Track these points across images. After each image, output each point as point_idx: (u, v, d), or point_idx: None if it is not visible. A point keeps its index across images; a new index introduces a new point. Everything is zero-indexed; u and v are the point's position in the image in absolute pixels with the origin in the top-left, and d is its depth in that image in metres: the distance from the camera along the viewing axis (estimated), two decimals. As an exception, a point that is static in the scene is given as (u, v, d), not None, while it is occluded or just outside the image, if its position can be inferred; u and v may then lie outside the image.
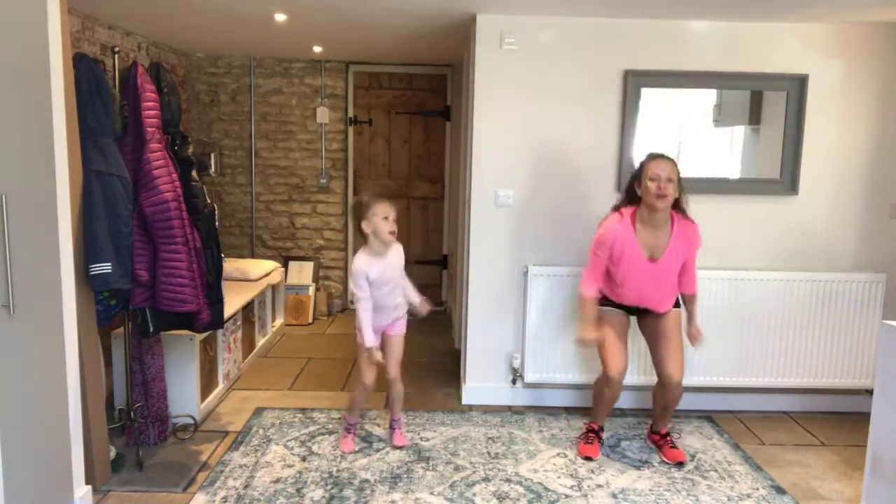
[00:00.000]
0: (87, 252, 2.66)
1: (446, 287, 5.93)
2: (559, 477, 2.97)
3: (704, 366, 3.64)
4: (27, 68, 2.17)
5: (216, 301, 3.13)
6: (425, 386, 4.09)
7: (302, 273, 5.60)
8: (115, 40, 4.09)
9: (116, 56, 2.95)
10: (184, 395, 3.40)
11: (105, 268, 2.67)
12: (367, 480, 2.90)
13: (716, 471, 3.07)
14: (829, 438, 3.48)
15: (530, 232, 3.68)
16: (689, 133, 3.89)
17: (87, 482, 2.62)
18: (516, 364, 3.74)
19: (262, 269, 4.83)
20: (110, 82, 2.84)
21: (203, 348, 3.53)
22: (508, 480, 2.93)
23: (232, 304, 3.94)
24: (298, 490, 2.81)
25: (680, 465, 3.10)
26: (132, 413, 3.12)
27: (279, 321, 5.29)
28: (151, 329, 2.96)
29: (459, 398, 3.86)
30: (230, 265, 4.63)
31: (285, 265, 5.61)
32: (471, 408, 3.75)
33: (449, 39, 4.29)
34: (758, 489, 2.92)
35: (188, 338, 3.35)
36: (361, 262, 3.04)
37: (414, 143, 5.80)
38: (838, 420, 3.70)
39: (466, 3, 3.32)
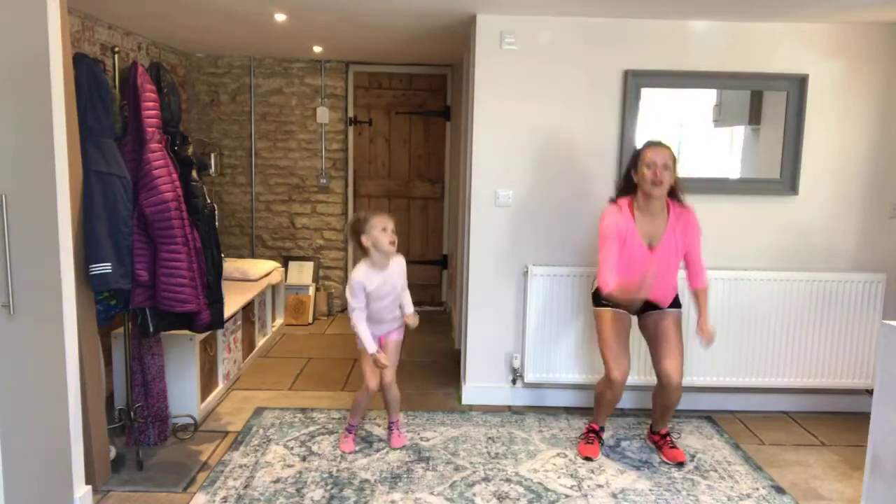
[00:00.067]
0: (87, 252, 2.66)
1: (446, 287, 5.93)
2: (559, 477, 2.97)
3: (704, 366, 3.64)
4: (27, 68, 2.17)
5: (216, 301, 3.13)
6: (425, 386, 4.09)
7: (302, 273, 5.60)
8: (115, 40, 4.09)
9: (116, 56, 2.95)
10: (184, 395, 3.40)
11: (105, 268, 2.67)
12: (367, 480, 2.90)
13: (716, 471, 3.07)
14: (829, 438, 3.48)
15: (530, 232, 3.68)
16: (689, 133, 3.89)
17: (87, 482, 2.62)
18: (516, 364, 3.74)
19: (262, 269, 4.83)
20: (110, 82, 2.84)
21: (203, 348, 3.53)
22: (508, 480, 2.93)
23: (232, 304, 3.94)
24: (298, 490, 2.81)
25: (680, 465, 3.10)
26: (132, 413, 3.12)
27: (279, 321, 5.29)
28: (151, 329, 2.96)
29: (459, 398, 3.86)
30: (230, 265, 4.64)
31: (285, 265, 5.61)
32: (471, 408, 3.75)
33: (449, 39, 4.29)
34: (758, 489, 2.92)
35: (188, 338, 3.35)
36: (360, 274, 3.05)
37: (414, 144, 5.80)
38: (838, 420, 3.70)
39: (466, 3, 3.32)
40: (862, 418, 3.35)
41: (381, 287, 3.06)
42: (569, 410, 3.72)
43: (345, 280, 5.74)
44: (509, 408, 3.76)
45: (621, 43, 3.54)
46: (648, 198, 2.92)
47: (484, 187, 3.64)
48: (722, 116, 3.92)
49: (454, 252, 5.20)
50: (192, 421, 3.40)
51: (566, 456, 3.17)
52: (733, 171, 3.98)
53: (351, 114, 5.68)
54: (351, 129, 5.71)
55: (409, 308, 3.21)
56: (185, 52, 5.33)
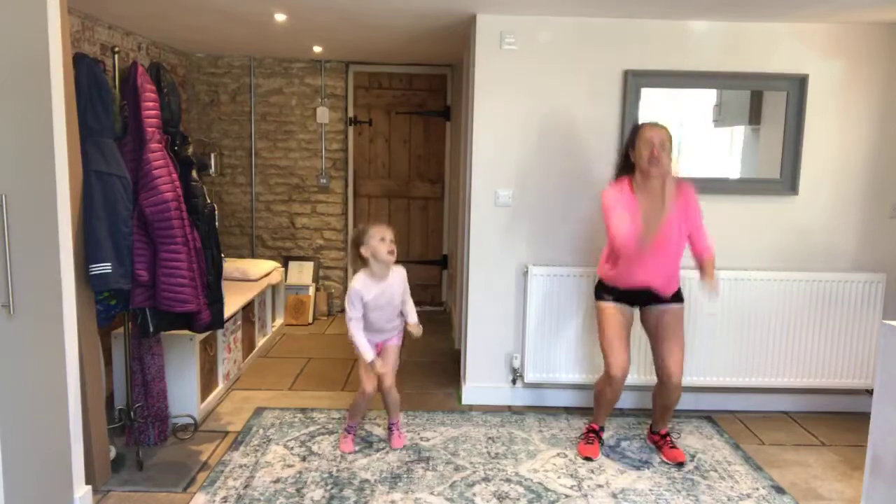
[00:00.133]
0: (87, 252, 2.66)
1: (446, 287, 5.93)
2: (559, 477, 2.97)
3: (704, 366, 3.64)
4: (27, 68, 2.17)
5: (216, 301, 3.13)
6: (425, 386, 4.09)
7: (302, 273, 5.60)
8: (115, 40, 4.09)
9: (116, 56, 2.95)
10: (184, 395, 3.40)
11: (105, 268, 2.68)
12: (367, 480, 2.90)
13: (716, 471, 3.07)
14: (829, 438, 3.48)
15: (530, 232, 3.68)
16: (690, 133, 3.89)
17: (87, 482, 2.62)
18: (516, 364, 3.74)
19: (261, 269, 4.83)
20: (110, 82, 2.84)
21: (203, 348, 3.53)
22: (508, 480, 2.93)
23: (232, 304, 3.94)
24: (298, 490, 2.81)
25: (680, 465, 3.10)
26: (132, 413, 3.12)
27: (279, 321, 5.29)
28: (151, 329, 2.96)
29: (459, 398, 3.86)
30: (230, 265, 4.64)
31: (285, 265, 5.61)
32: (471, 408, 3.75)
33: (449, 39, 4.29)
34: (758, 489, 2.92)
35: (188, 338, 3.35)
36: (358, 284, 3.07)
37: (414, 143, 5.80)
38: (838, 420, 3.70)
39: (466, 3, 3.32)
40: (862, 418, 3.35)
41: (379, 297, 3.07)
42: (569, 410, 3.72)
43: (345, 280, 5.75)
44: (509, 408, 3.76)
45: (621, 43, 3.54)
46: (646, 176, 2.91)
47: (484, 187, 3.64)
48: (722, 116, 3.92)
49: (454, 252, 5.20)
50: (192, 421, 3.40)
51: (566, 456, 3.17)
52: (733, 171, 3.98)
53: (351, 114, 5.68)
54: (351, 129, 5.71)
55: (413, 318, 3.21)
56: (185, 52, 5.33)
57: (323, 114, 5.52)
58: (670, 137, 2.91)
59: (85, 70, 2.66)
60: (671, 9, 3.29)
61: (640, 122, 3.02)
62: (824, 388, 3.72)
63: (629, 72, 3.54)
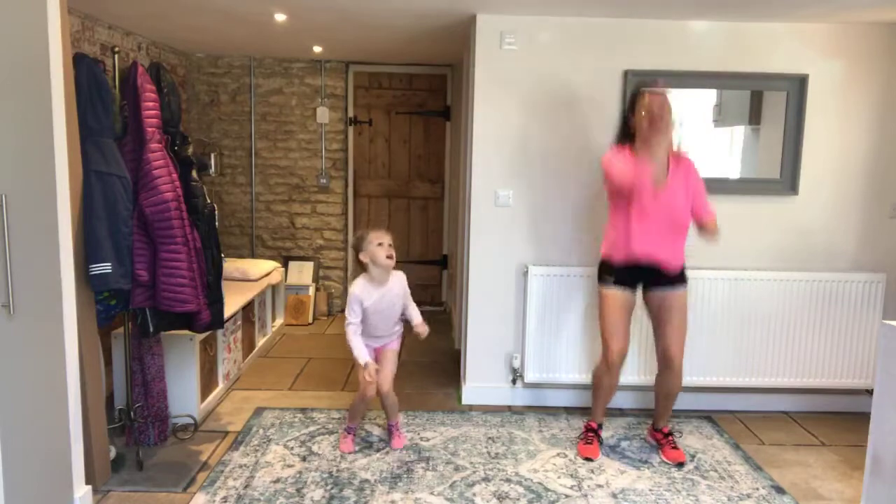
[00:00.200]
0: (87, 252, 2.66)
1: (446, 287, 5.93)
2: (559, 477, 2.97)
3: (704, 366, 3.64)
4: (27, 68, 2.17)
5: (216, 301, 3.13)
6: (425, 386, 4.09)
7: (302, 273, 5.60)
8: (115, 40, 4.09)
9: (116, 56, 2.95)
10: (184, 395, 3.40)
11: (105, 268, 2.68)
12: (367, 480, 2.90)
13: (716, 471, 3.07)
14: (829, 438, 3.48)
15: (530, 232, 3.68)
16: (690, 133, 3.88)
17: (87, 482, 2.62)
18: (516, 364, 3.74)
19: (261, 269, 4.83)
20: (110, 82, 2.84)
21: (203, 348, 3.53)
22: (508, 480, 2.93)
23: (232, 304, 3.94)
24: (298, 490, 2.81)
25: (680, 465, 3.10)
26: (132, 413, 3.12)
27: (279, 321, 5.29)
28: (151, 329, 2.96)
29: (459, 398, 3.86)
30: (230, 265, 4.64)
31: (285, 265, 5.61)
32: (471, 408, 3.75)
33: (449, 39, 4.29)
34: (758, 489, 2.92)
35: (188, 338, 3.35)
36: (358, 289, 3.08)
37: (414, 143, 5.80)
38: (838, 420, 3.70)
39: (466, 3, 3.32)
40: (862, 418, 3.35)
41: (378, 302, 3.08)
42: (569, 410, 3.72)
43: (345, 280, 5.75)
44: (509, 408, 3.76)
45: (621, 43, 3.54)
46: (647, 144, 2.87)
47: (484, 187, 3.64)
48: (722, 116, 3.92)
49: (454, 252, 5.20)
50: (192, 421, 3.40)
51: (566, 456, 3.17)
52: (733, 171, 3.97)
53: (351, 114, 5.68)
54: (351, 129, 5.71)
55: (418, 318, 3.21)
56: (185, 52, 5.33)
57: (323, 114, 5.52)
58: (670, 106, 2.86)
59: (85, 70, 2.66)
60: (671, 9, 3.29)
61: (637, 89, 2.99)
62: (824, 388, 3.72)
63: (629, 72, 3.54)
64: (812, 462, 3.22)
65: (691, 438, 3.40)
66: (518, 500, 2.77)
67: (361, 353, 3.06)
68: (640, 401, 3.72)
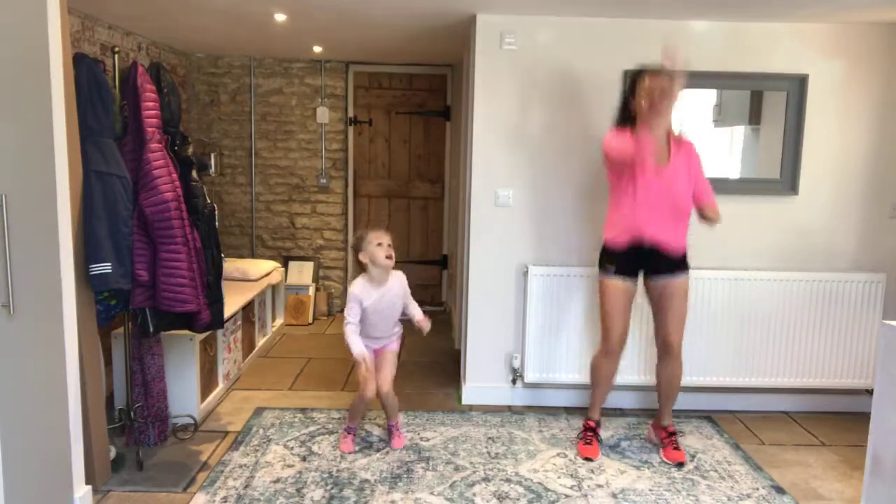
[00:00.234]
0: (87, 252, 2.66)
1: (446, 287, 5.93)
2: (559, 477, 2.97)
3: (704, 366, 3.64)
4: (27, 68, 2.17)
5: (216, 301, 3.13)
6: (425, 386, 4.09)
7: (302, 273, 5.60)
8: (115, 40, 4.09)
9: (116, 56, 2.95)
10: (184, 395, 3.40)
11: (105, 268, 2.68)
12: (367, 480, 2.90)
13: (716, 471, 3.07)
14: (829, 438, 3.48)
15: (530, 232, 3.68)
16: (689, 133, 3.88)
17: (87, 482, 2.62)
18: (516, 364, 3.74)
19: (262, 269, 4.83)
20: (110, 82, 2.84)
21: (203, 348, 3.53)
22: (508, 480, 2.93)
23: (232, 304, 3.94)
24: (298, 490, 2.81)
25: (680, 465, 3.10)
26: (132, 413, 3.12)
27: (279, 321, 5.29)
28: (151, 329, 2.96)
29: (459, 398, 3.86)
30: (230, 265, 4.64)
31: (285, 265, 5.61)
32: (471, 408, 3.75)
33: (449, 39, 4.29)
34: (758, 489, 2.92)
35: (188, 338, 3.35)
36: (357, 289, 3.08)
37: (414, 143, 5.80)
38: (838, 420, 3.70)
39: (466, 3, 3.32)
40: (862, 418, 3.35)
41: (378, 302, 3.08)
42: (569, 410, 3.72)
43: (345, 280, 5.75)
44: (509, 408, 3.76)
45: (621, 43, 3.54)
46: (647, 127, 2.82)
47: (484, 187, 3.64)
48: (722, 116, 3.92)
49: (454, 252, 5.20)
50: (192, 421, 3.40)
51: (566, 456, 3.17)
52: (733, 171, 3.97)
53: (351, 114, 5.68)
54: (351, 129, 5.71)
55: (419, 314, 3.20)
56: (185, 52, 5.33)
57: (323, 114, 5.52)
58: (672, 87, 2.79)
59: (85, 70, 2.66)
60: (671, 9, 3.29)
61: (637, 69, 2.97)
62: (824, 388, 3.72)
63: (629, 72, 3.53)
64: (812, 462, 3.22)
65: (691, 438, 3.40)
66: (518, 500, 2.77)
67: (357, 349, 3.03)
68: (640, 401, 3.72)
